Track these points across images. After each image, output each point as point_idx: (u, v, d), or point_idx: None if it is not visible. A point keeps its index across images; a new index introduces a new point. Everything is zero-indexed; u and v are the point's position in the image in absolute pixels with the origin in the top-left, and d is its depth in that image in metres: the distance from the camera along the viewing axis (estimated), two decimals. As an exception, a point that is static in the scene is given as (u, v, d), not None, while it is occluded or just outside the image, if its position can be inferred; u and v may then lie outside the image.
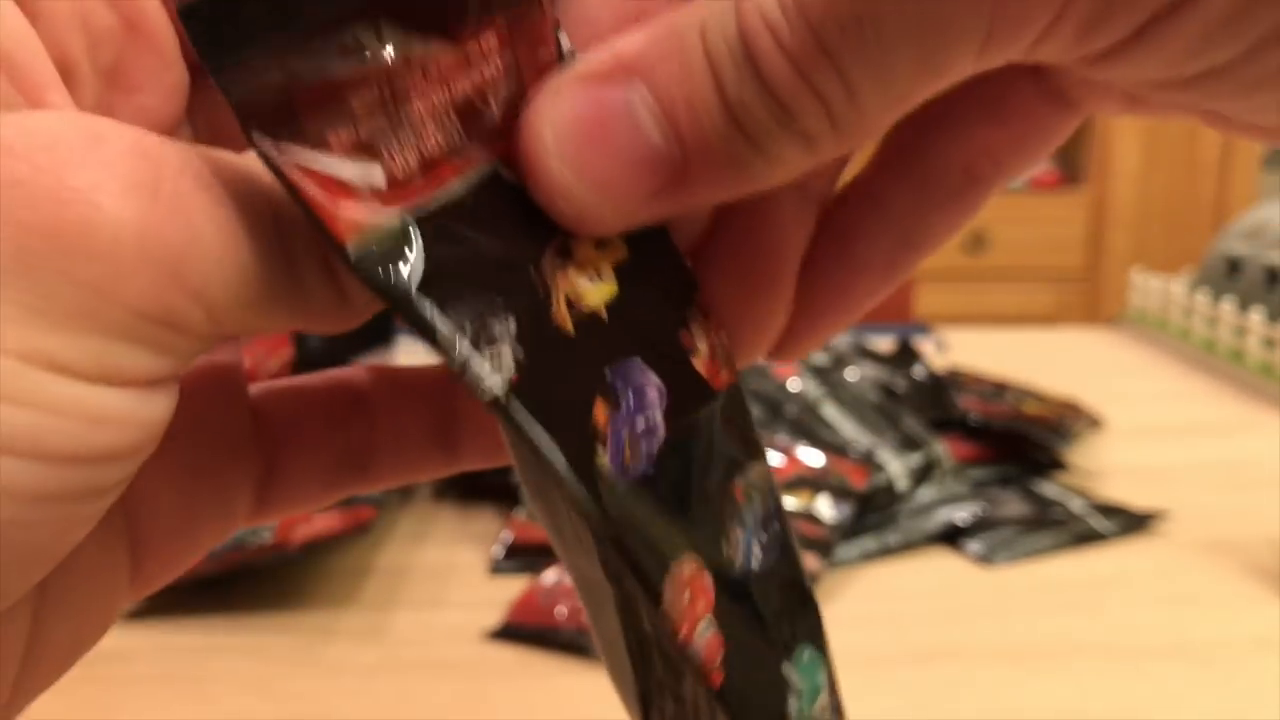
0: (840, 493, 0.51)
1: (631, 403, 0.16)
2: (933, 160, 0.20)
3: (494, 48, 0.16)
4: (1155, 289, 0.96)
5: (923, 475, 0.55)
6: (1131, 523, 0.53)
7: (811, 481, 0.52)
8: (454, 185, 0.15)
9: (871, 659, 0.42)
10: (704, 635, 0.16)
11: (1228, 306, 0.84)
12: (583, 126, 0.16)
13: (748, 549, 0.18)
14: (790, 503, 0.51)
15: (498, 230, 0.16)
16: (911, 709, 0.39)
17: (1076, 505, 0.54)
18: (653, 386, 0.16)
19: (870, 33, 0.14)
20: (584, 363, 0.16)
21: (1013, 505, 0.54)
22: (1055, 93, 0.20)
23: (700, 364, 0.18)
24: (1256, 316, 0.80)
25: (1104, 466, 0.62)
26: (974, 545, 0.51)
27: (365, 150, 0.15)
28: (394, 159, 0.15)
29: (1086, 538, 0.52)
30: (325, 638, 0.44)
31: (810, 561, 0.47)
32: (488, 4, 0.15)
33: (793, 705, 0.18)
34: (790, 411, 0.60)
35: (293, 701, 0.39)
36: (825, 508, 0.50)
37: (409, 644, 0.43)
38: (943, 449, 0.57)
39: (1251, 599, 0.46)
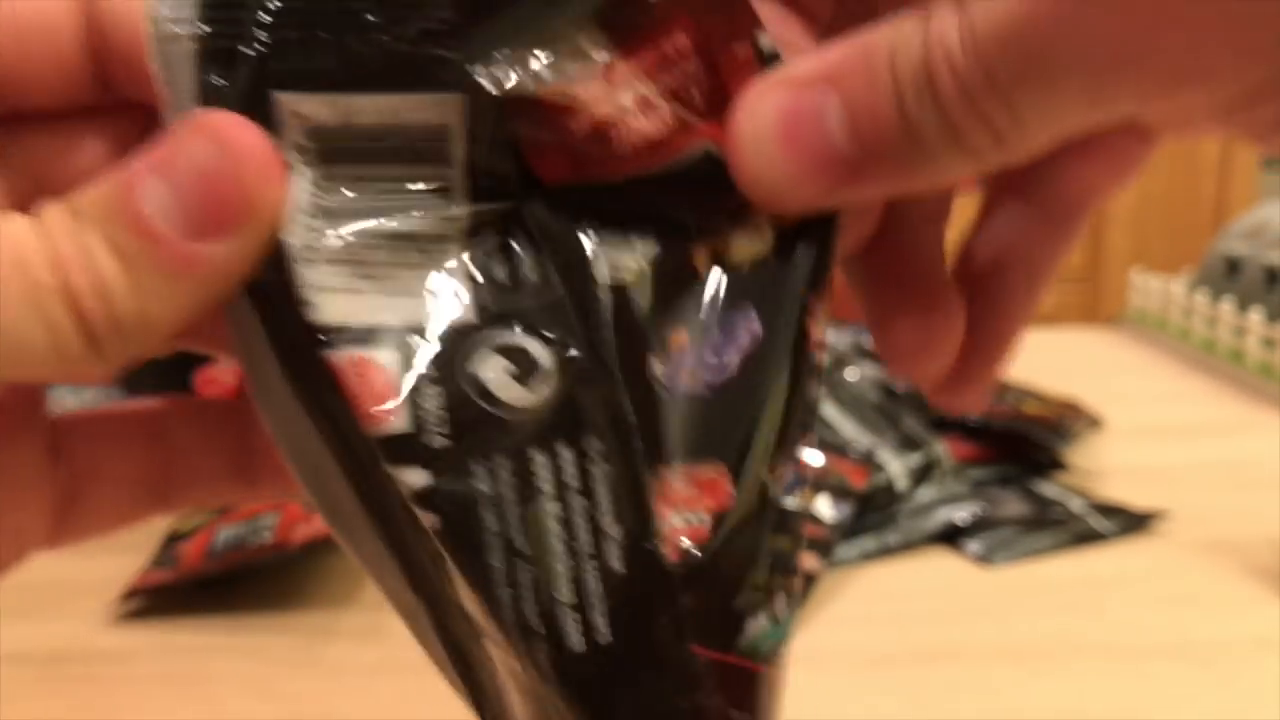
0: (840, 493, 0.51)
1: (714, 340, 0.19)
2: (1045, 197, 0.22)
3: (688, 47, 0.18)
4: (1155, 289, 0.96)
5: (922, 475, 0.55)
6: (1131, 523, 0.53)
7: (811, 481, 0.52)
8: (672, 159, 0.19)
9: (871, 659, 0.42)
10: (688, 522, 0.19)
11: (1227, 306, 0.84)
12: (781, 124, 0.18)
13: (789, 488, 0.21)
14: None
15: (680, 197, 0.19)
16: (911, 709, 0.39)
17: (1076, 505, 0.54)
18: (746, 333, 0.19)
19: (1037, 76, 0.16)
20: (694, 304, 0.19)
21: (1013, 505, 0.54)
22: (1139, 129, 0.21)
23: (812, 326, 0.20)
24: (1256, 316, 0.80)
25: (1104, 466, 0.62)
26: (974, 545, 0.51)
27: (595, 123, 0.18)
28: (618, 136, 0.18)
29: (1086, 538, 0.52)
30: (325, 638, 0.44)
31: (810, 561, 0.47)
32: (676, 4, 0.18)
33: (755, 626, 0.19)
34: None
35: (293, 702, 0.39)
36: (825, 507, 0.50)
37: (409, 644, 0.43)
38: (943, 449, 0.57)
39: (1251, 599, 0.46)
